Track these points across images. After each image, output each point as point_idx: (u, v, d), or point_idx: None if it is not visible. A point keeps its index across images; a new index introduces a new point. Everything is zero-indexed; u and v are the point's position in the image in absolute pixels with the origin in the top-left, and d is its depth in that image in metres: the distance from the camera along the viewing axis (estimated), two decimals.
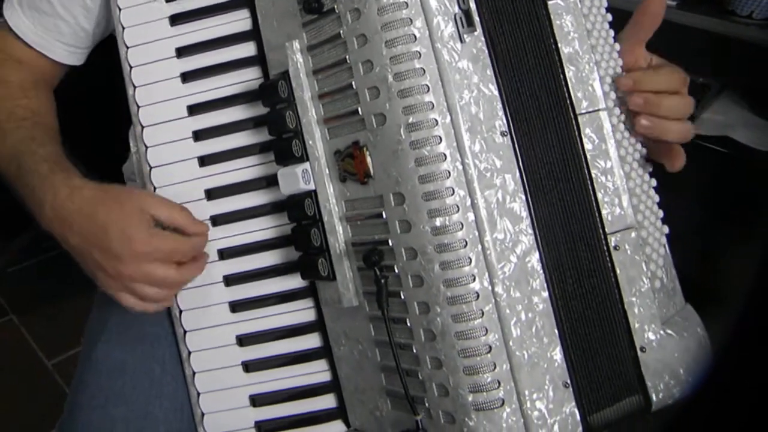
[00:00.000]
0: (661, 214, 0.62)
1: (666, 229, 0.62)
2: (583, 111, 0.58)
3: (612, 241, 0.58)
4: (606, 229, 0.57)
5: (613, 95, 0.60)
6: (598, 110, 0.59)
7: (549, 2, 0.58)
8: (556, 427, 0.54)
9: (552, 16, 0.58)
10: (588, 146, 0.58)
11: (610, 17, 0.61)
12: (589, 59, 0.59)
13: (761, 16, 1.07)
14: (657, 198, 0.62)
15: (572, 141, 0.57)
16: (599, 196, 0.58)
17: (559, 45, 0.58)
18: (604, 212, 0.58)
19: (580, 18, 0.59)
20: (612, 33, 0.61)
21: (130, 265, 0.60)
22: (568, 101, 0.57)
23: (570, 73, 0.58)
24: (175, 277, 0.61)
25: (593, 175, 0.57)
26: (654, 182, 0.62)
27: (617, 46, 0.61)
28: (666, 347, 0.58)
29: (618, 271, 0.57)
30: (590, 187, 0.57)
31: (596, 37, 0.60)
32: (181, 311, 0.67)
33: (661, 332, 0.59)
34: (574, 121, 0.57)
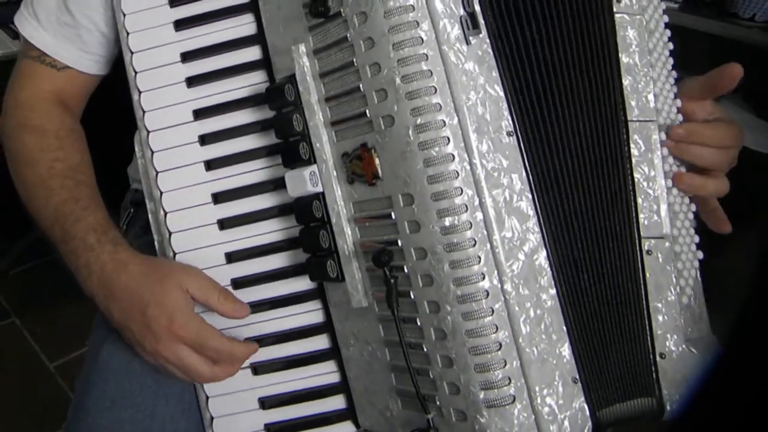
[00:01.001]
0: (697, 239, 0.63)
1: (700, 255, 0.63)
2: (635, 119, 0.60)
3: (645, 245, 0.59)
4: (641, 233, 0.59)
5: (664, 114, 0.62)
6: (649, 121, 0.60)
7: (616, 15, 0.60)
8: (566, 422, 0.54)
9: (617, 28, 0.61)
10: (634, 152, 0.60)
11: (671, 46, 0.63)
12: (647, 73, 0.61)
13: (763, 19, 1.09)
14: (695, 223, 0.63)
15: (619, 143, 0.59)
16: (639, 200, 0.59)
17: (620, 54, 0.60)
18: (641, 216, 0.59)
19: (644, 35, 0.62)
20: (671, 61, 0.63)
21: (166, 346, 0.62)
22: (620, 105, 0.59)
23: (627, 81, 0.60)
24: (205, 372, 0.63)
25: (635, 179, 0.59)
26: (694, 207, 0.63)
27: (674, 74, 0.63)
28: (687, 362, 0.59)
29: (648, 275, 0.59)
30: (631, 189, 0.59)
31: (656, 57, 0.63)
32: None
33: (683, 346, 0.60)
34: (624, 125, 0.59)
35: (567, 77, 0.58)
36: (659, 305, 0.59)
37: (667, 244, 0.60)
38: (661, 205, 0.60)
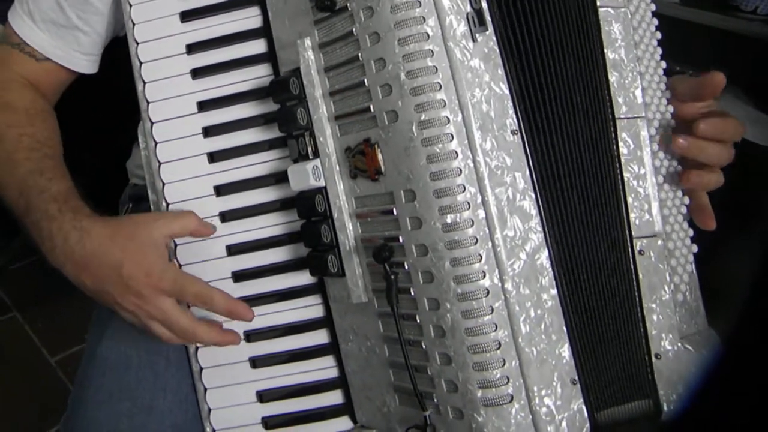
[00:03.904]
0: (691, 232, 0.63)
1: (695, 248, 0.63)
2: (622, 116, 0.59)
3: (637, 245, 0.58)
4: (633, 233, 0.58)
5: (653, 108, 0.61)
6: (637, 117, 0.60)
7: (600, 9, 0.59)
8: (563, 423, 0.54)
9: (601, 22, 0.59)
10: (623, 150, 0.59)
11: (659, 35, 0.63)
12: (633, 68, 0.60)
13: (765, 12, 1.08)
14: (688, 216, 0.63)
15: (608, 143, 0.58)
16: (629, 200, 0.59)
17: (606, 50, 0.59)
18: (632, 216, 0.59)
19: (629, 29, 0.61)
20: (660, 50, 0.63)
21: (148, 301, 0.61)
22: (608, 103, 0.59)
23: (613, 78, 0.60)
24: (187, 324, 0.62)
25: (625, 178, 0.58)
26: (687, 201, 0.63)
27: (663, 64, 0.62)
28: (682, 360, 0.59)
29: (641, 276, 0.58)
30: (621, 189, 0.58)
31: (643, 50, 0.62)
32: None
33: (679, 344, 0.59)
34: (612, 124, 0.59)
35: (564, 76, 0.57)
36: (653, 305, 0.59)
37: (659, 242, 0.59)
38: (652, 204, 0.60)
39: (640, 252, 0.59)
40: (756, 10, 1.07)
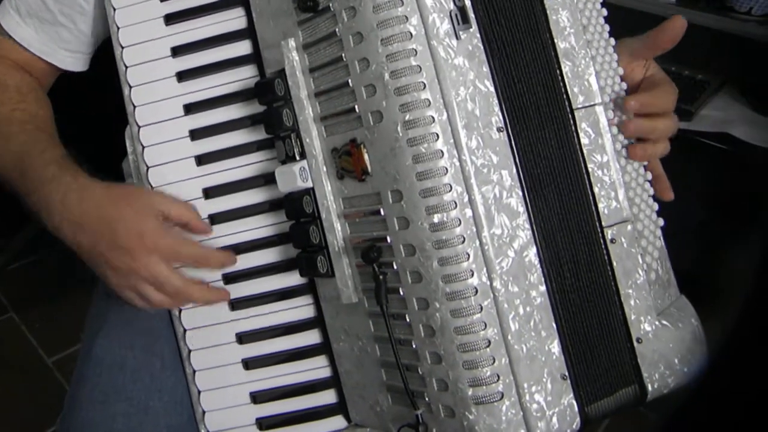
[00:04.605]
0: (656, 207, 0.63)
1: (661, 222, 0.63)
2: (580, 106, 0.59)
3: (608, 234, 0.58)
4: (603, 223, 0.58)
5: (608, 90, 0.61)
6: (594, 105, 0.59)
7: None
8: (554, 418, 0.54)
9: (548, 12, 0.58)
10: (584, 141, 0.58)
11: (605, 12, 0.62)
12: (585, 54, 0.59)
13: (760, 12, 1.07)
14: (652, 191, 0.63)
15: (569, 136, 0.58)
16: (596, 190, 0.58)
17: (556, 41, 0.58)
18: (600, 206, 0.58)
19: (576, 13, 0.59)
20: (607, 28, 0.62)
21: (140, 261, 0.60)
22: (564, 96, 0.58)
23: (566, 68, 0.58)
24: (180, 285, 0.62)
25: (590, 170, 0.58)
26: (649, 175, 0.63)
27: (612, 41, 0.62)
28: (661, 338, 0.59)
29: (615, 264, 0.58)
30: (587, 182, 0.58)
31: (592, 32, 0.60)
32: (180, 310, 0.67)
33: (657, 323, 0.60)
34: (570, 116, 0.58)
35: (529, 71, 0.57)
36: (630, 291, 0.59)
37: (629, 227, 0.59)
38: (618, 190, 0.59)
39: (612, 240, 0.58)
40: (751, 10, 1.07)
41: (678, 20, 0.61)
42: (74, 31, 0.73)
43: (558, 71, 0.58)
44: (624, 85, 0.62)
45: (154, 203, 0.62)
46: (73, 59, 0.75)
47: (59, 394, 0.71)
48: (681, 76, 1.09)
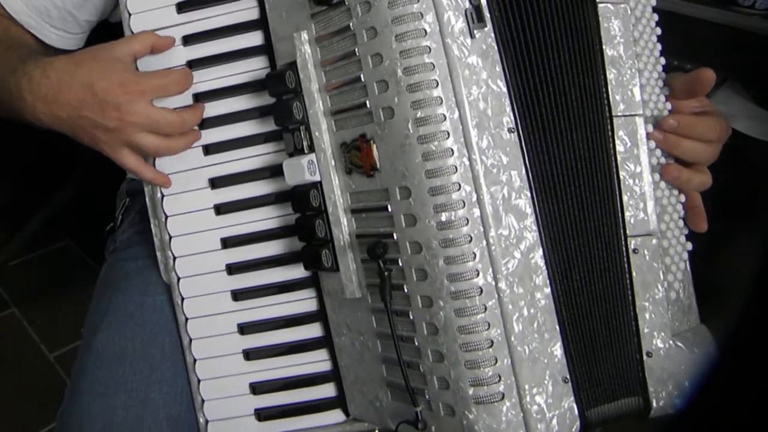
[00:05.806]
0: (686, 230, 0.63)
1: (689, 246, 0.63)
2: (620, 114, 0.59)
3: (632, 243, 0.59)
4: (627, 231, 0.58)
5: (651, 105, 0.61)
6: (635, 115, 0.60)
7: (599, 5, 0.59)
8: (554, 421, 0.54)
9: (600, 18, 0.59)
10: (620, 148, 0.59)
11: (659, 31, 0.62)
12: (632, 65, 0.60)
13: (764, 6, 1.07)
14: (684, 213, 0.63)
15: (604, 141, 0.58)
16: (625, 198, 0.59)
17: (604, 47, 0.59)
18: (627, 214, 0.59)
19: (628, 25, 0.60)
20: (659, 47, 0.62)
21: (131, 109, 0.60)
22: (605, 102, 0.58)
23: (611, 75, 0.59)
24: (173, 117, 0.62)
25: (621, 177, 0.58)
26: (683, 198, 0.63)
27: (663, 60, 0.62)
28: (674, 357, 0.59)
29: (634, 274, 0.58)
30: (617, 188, 0.58)
31: (642, 47, 0.61)
32: (183, 299, 0.67)
33: (670, 342, 0.59)
34: (609, 122, 0.58)
35: (561, 74, 0.57)
36: (646, 304, 0.59)
37: (654, 241, 0.59)
38: (648, 202, 0.59)
39: (635, 250, 0.59)
40: (754, 4, 1.06)
41: (707, 72, 0.61)
42: (61, 9, 0.73)
43: (602, 76, 0.58)
44: (669, 106, 0.62)
45: (117, 52, 0.61)
46: (58, 37, 0.75)
47: (61, 390, 0.71)
48: (683, 70, 1.08)
